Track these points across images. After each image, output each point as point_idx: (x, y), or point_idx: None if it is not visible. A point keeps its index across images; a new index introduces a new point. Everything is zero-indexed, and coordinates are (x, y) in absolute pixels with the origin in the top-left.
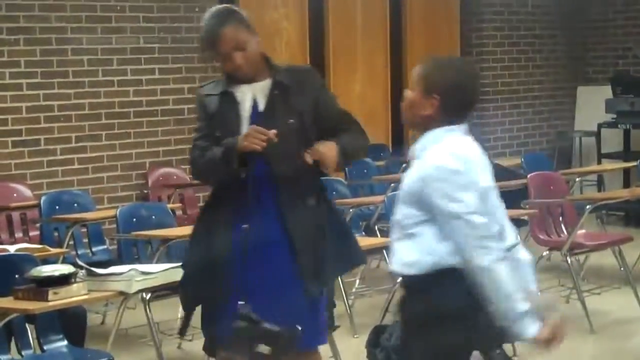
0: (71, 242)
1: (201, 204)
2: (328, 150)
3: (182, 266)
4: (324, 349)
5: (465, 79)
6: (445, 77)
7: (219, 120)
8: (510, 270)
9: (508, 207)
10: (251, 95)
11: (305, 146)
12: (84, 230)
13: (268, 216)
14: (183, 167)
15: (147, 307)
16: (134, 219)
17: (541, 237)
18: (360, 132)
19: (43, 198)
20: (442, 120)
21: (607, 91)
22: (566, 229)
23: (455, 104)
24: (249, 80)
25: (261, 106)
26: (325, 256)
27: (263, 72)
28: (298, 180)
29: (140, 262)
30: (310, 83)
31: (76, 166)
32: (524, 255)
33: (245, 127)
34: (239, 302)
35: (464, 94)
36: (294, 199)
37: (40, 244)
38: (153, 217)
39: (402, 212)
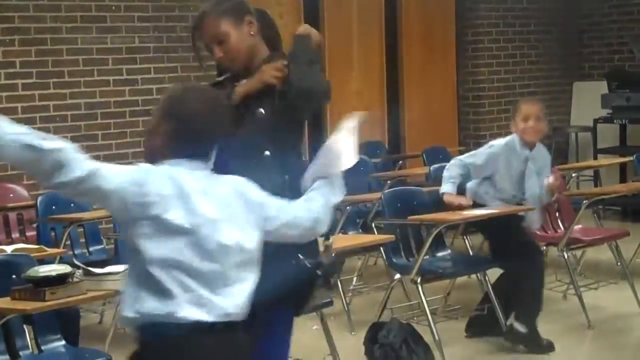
0: (68, 242)
1: None
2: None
3: None
4: (322, 346)
5: (200, 108)
6: (178, 105)
7: None
8: None
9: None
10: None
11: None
12: (81, 230)
13: None
14: None
15: None
16: None
17: (538, 232)
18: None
19: (39, 198)
20: (169, 152)
21: (602, 86)
22: (563, 224)
23: (185, 135)
24: (246, 74)
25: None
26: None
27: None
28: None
29: None
30: None
31: None
32: None
33: None
34: None
35: (195, 124)
36: None
37: (37, 244)
38: None
39: None
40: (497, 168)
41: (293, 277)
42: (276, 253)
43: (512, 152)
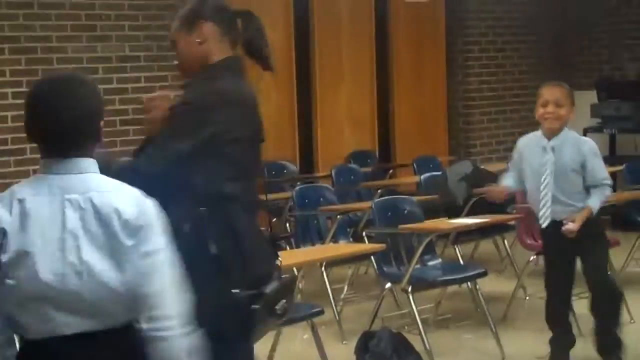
0: None
1: None
2: None
3: None
4: (313, 355)
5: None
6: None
7: None
8: None
9: (495, 211)
10: None
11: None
12: None
13: None
14: None
15: None
16: None
17: (528, 241)
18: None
19: None
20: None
21: (592, 96)
22: None
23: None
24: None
25: None
26: None
27: None
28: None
29: None
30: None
31: None
32: None
33: None
34: None
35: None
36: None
37: None
38: None
39: None
40: (522, 165)
41: (229, 311)
42: (205, 285)
43: (533, 143)
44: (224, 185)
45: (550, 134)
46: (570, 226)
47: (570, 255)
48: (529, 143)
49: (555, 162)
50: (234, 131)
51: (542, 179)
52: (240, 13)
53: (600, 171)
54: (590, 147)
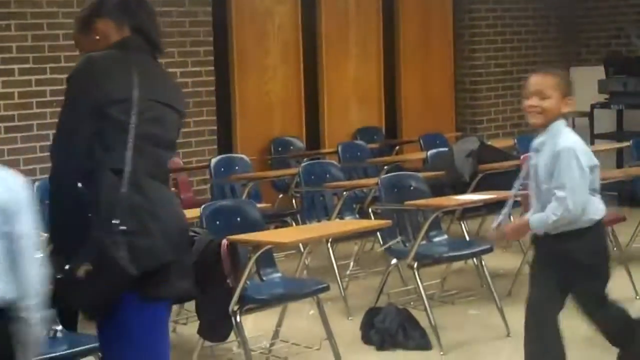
0: None
1: (195, 187)
2: None
3: None
4: (318, 331)
5: None
6: None
7: None
8: None
9: (501, 188)
10: None
11: None
12: None
13: None
14: (177, 151)
15: None
16: None
17: None
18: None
19: (36, 184)
20: None
21: (600, 72)
22: None
23: None
24: None
25: None
26: None
27: None
28: None
29: None
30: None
31: None
32: None
33: None
34: None
35: None
36: None
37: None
38: None
39: None
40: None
41: None
42: None
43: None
44: (96, 154)
45: (537, 130)
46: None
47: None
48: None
49: (536, 164)
50: (98, 98)
51: (515, 184)
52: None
53: (559, 179)
54: (563, 150)
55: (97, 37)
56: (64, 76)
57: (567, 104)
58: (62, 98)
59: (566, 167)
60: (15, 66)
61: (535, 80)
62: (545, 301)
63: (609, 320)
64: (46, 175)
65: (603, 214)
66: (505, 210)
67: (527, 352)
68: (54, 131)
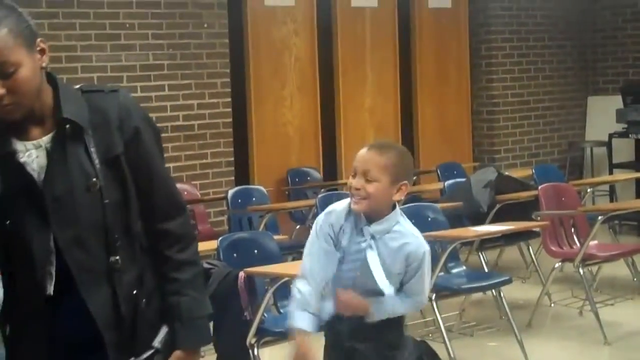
0: None
1: (212, 219)
2: None
3: None
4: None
5: None
6: None
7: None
8: None
9: (519, 218)
10: (35, 153)
11: (124, 220)
12: None
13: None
14: (193, 182)
15: None
16: None
17: (553, 248)
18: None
19: None
20: None
21: (617, 101)
22: (578, 240)
23: None
24: (28, 126)
25: (35, 165)
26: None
27: (48, 111)
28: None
29: None
30: (119, 115)
31: None
32: None
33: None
34: None
35: None
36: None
37: None
38: None
39: None
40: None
41: None
42: None
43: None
44: None
45: (367, 218)
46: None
47: None
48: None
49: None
50: None
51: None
52: None
53: (420, 283)
54: (427, 252)
55: (44, 66)
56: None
57: (400, 190)
58: None
59: (428, 272)
60: None
61: (363, 157)
62: None
63: None
64: None
65: None
66: None
67: None
68: None
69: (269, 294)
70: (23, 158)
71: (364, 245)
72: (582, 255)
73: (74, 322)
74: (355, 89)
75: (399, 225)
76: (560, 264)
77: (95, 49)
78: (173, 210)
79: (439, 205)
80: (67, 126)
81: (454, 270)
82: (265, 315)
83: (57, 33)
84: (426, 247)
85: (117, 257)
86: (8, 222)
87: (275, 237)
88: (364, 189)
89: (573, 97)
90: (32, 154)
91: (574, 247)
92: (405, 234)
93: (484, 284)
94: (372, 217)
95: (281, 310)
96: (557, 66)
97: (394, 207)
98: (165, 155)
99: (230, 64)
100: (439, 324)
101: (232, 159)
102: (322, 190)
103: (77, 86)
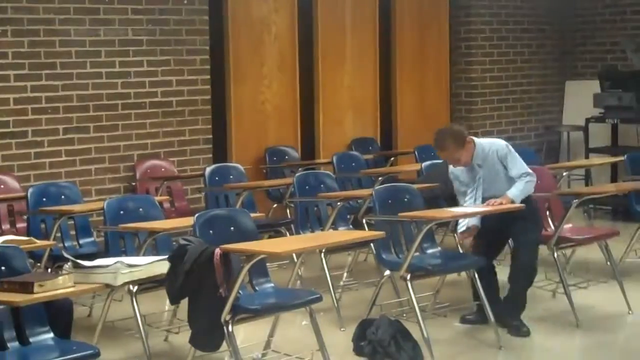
0: (58, 234)
1: (189, 196)
2: None
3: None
4: (311, 341)
5: None
6: None
7: None
8: None
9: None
10: None
11: None
12: (71, 222)
13: None
14: (171, 159)
15: (133, 299)
16: (121, 212)
17: None
18: None
19: (30, 190)
20: None
21: (595, 86)
22: (553, 223)
23: None
24: None
25: None
26: None
27: None
28: None
29: (127, 255)
30: None
31: (64, 158)
32: None
33: None
34: None
35: None
36: None
37: (27, 235)
38: (140, 209)
39: None
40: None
41: None
42: None
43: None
44: None
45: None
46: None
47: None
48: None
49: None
50: None
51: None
52: None
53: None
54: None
55: None
56: (60, 83)
57: (467, 143)
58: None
59: (516, 156)
60: (11, 72)
61: (439, 155)
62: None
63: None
64: (41, 182)
65: None
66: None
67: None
68: (48, 137)
69: (245, 271)
70: None
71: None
72: (556, 238)
73: None
74: (334, 69)
75: (481, 151)
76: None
77: (74, 22)
78: None
79: (415, 186)
80: None
81: (429, 251)
82: (241, 292)
83: (35, 6)
84: (501, 144)
85: None
86: None
87: (252, 214)
88: (456, 162)
89: (551, 81)
90: None
91: (549, 230)
92: (486, 151)
93: (458, 264)
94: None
95: (256, 288)
96: (536, 50)
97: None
98: (143, 131)
99: (209, 40)
100: (413, 304)
101: (210, 136)
102: (300, 169)
103: None
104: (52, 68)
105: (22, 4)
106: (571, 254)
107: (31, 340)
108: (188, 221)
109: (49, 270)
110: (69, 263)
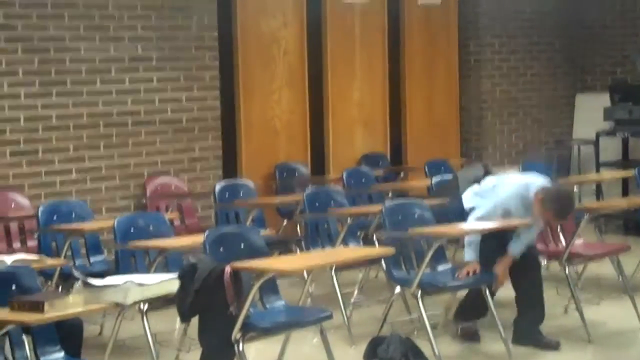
0: (69, 252)
1: (199, 213)
2: None
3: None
4: (322, 359)
5: None
6: None
7: None
8: None
9: None
10: None
11: None
12: (82, 240)
13: None
14: (181, 176)
15: (144, 318)
16: (132, 229)
17: (539, 246)
18: None
19: (41, 208)
20: None
21: (605, 99)
22: (564, 238)
23: None
24: None
25: None
26: None
27: None
28: None
29: (138, 272)
30: None
31: (74, 176)
32: None
33: None
34: None
35: None
36: None
37: (38, 254)
38: (151, 227)
39: None
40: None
41: None
42: None
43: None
44: None
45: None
46: None
47: None
48: None
49: None
50: None
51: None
52: None
53: None
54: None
55: None
56: (70, 100)
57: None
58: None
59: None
60: (22, 90)
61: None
62: None
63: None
64: (51, 200)
65: None
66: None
67: None
68: (59, 155)
69: (255, 289)
70: None
71: None
72: (567, 254)
73: None
74: (344, 84)
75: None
76: (545, 262)
77: (84, 39)
78: None
79: (426, 202)
80: None
81: (440, 268)
82: (251, 310)
83: (46, 23)
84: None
85: None
86: None
87: (263, 231)
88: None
89: (561, 94)
90: None
91: (560, 245)
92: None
93: (469, 281)
94: None
95: (267, 306)
96: (546, 64)
97: None
98: (153, 148)
99: (219, 56)
100: (424, 321)
101: (220, 152)
102: (310, 185)
103: None
104: (63, 85)
105: (32, 21)
106: (583, 270)
107: (42, 359)
108: (198, 238)
109: (60, 288)
110: (79, 282)
